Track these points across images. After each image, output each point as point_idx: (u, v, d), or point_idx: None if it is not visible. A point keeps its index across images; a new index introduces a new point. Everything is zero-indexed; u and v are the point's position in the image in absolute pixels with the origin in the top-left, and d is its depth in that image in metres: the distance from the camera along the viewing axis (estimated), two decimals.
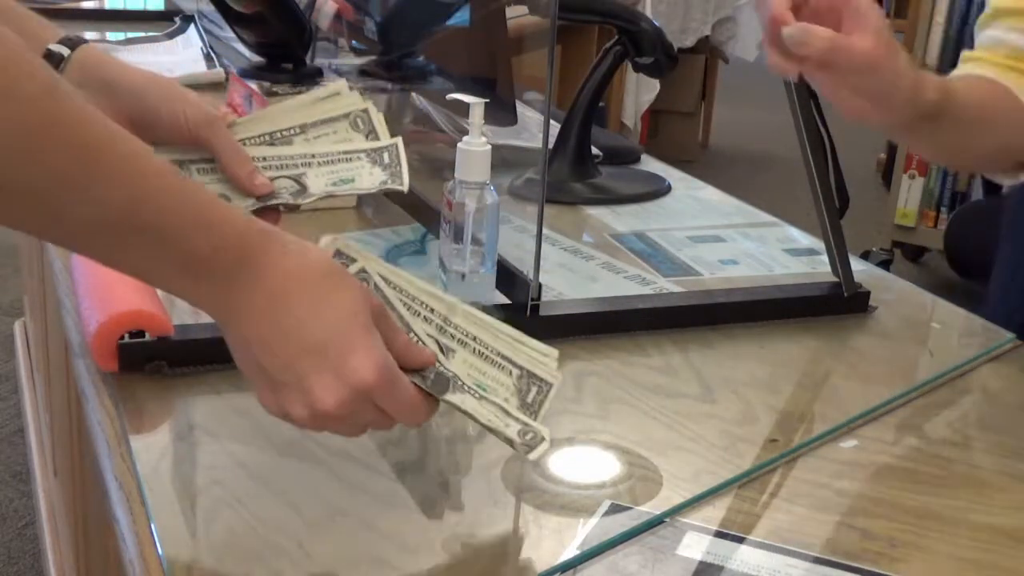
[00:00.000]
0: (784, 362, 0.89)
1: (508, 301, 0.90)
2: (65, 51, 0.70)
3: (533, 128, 1.33)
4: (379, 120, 0.77)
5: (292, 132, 0.75)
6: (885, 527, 0.67)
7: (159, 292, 0.82)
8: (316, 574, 0.60)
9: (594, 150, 1.31)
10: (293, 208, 0.74)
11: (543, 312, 0.88)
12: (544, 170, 0.89)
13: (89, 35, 1.76)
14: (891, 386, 0.85)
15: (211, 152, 0.72)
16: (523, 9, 2.02)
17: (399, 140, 0.75)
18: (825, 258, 1.00)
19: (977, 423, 0.82)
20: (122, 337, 0.77)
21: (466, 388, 0.65)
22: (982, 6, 1.03)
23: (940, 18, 3.36)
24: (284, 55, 1.27)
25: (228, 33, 1.47)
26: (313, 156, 0.74)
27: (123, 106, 0.70)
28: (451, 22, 1.23)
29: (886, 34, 0.80)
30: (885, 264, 3.41)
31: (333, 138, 0.76)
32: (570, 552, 0.62)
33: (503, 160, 1.20)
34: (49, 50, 0.70)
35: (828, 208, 0.96)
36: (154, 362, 0.77)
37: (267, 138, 0.75)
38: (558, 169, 1.26)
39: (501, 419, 0.65)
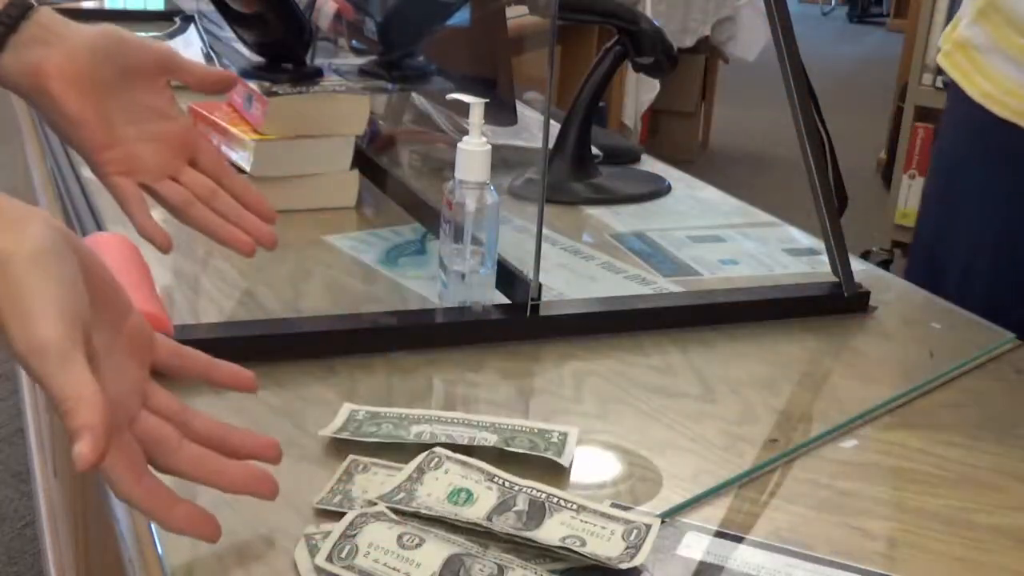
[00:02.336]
0: (784, 362, 0.89)
1: (508, 301, 0.90)
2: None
3: (533, 128, 1.33)
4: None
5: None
6: (885, 527, 0.67)
7: (158, 290, 0.82)
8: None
9: (594, 150, 1.31)
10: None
11: (543, 312, 0.88)
12: (544, 170, 0.89)
13: None
14: (891, 386, 0.85)
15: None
16: (523, 9, 2.02)
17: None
18: (825, 258, 1.00)
19: (977, 423, 0.82)
20: None
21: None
22: None
23: (940, 18, 3.36)
24: (284, 55, 1.27)
25: (228, 33, 1.47)
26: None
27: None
28: (451, 22, 1.23)
29: None
30: (885, 264, 3.40)
31: None
32: None
33: (503, 160, 1.20)
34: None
35: (828, 208, 0.96)
36: None
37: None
38: (558, 169, 1.26)
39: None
